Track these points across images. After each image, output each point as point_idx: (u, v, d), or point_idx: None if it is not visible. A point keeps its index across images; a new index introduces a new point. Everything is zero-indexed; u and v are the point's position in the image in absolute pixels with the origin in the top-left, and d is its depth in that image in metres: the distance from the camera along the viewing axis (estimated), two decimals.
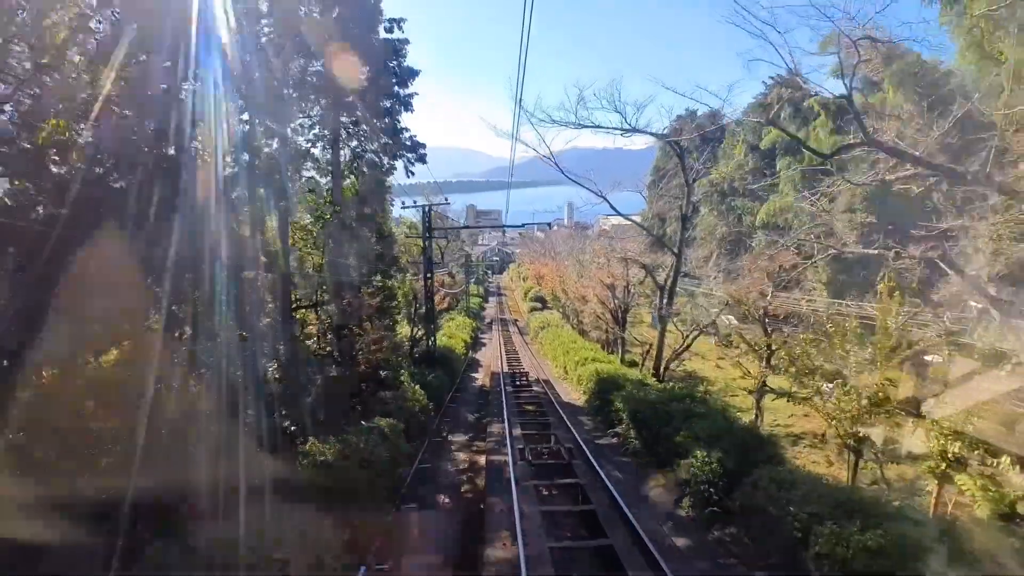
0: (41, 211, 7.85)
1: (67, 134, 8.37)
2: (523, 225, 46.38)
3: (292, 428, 14.48)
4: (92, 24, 8.58)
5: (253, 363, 14.66)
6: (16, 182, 7.82)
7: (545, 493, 10.21)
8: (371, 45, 20.74)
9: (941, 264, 11.26)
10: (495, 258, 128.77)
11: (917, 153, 8.61)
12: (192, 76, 10.65)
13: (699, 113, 64.81)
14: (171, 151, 10.39)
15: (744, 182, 53.95)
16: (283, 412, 15.32)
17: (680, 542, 9.12)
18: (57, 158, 8.37)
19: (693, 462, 10.11)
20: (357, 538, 8.70)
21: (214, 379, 10.54)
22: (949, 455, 9.30)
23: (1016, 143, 19.23)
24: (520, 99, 11.29)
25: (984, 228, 12.64)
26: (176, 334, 9.96)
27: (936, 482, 9.79)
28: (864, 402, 11.85)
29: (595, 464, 11.20)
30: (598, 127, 19.61)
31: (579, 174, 22.07)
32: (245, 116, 18.22)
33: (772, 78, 37.99)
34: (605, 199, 20.90)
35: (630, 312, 34.47)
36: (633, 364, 30.20)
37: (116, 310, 8.78)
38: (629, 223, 51.83)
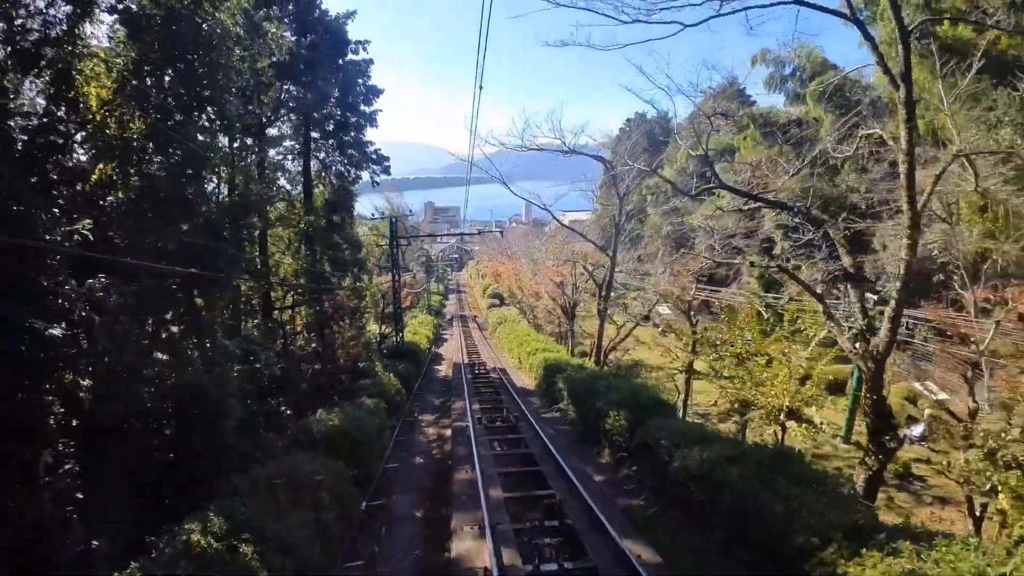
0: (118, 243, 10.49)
1: (114, 176, 11.03)
2: (479, 232, 49.39)
3: (288, 412, 17.34)
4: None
5: (251, 357, 17.43)
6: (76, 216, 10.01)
7: (497, 447, 13.41)
8: (339, 66, 23.44)
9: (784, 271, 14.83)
10: (454, 256, 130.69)
11: (756, 193, 12.12)
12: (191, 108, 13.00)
13: (648, 116, 69.33)
14: (187, 186, 12.84)
15: (687, 185, 58.17)
16: (280, 399, 18.16)
17: (597, 478, 12.45)
18: (113, 198, 11.03)
19: (608, 420, 13.54)
20: (357, 484, 11.67)
21: (226, 371, 13.17)
22: (785, 408, 13.05)
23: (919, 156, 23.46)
24: (475, 130, 14.29)
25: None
26: (186, 333, 12.59)
27: (779, 428, 13.57)
28: (746, 375, 15.55)
29: (536, 426, 14.48)
30: (542, 149, 22.84)
31: (538, 170, 24.93)
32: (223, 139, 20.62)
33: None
34: (549, 211, 24.26)
35: (583, 307, 37.54)
36: (584, 355, 33.03)
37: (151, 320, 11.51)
38: (581, 222, 55.54)
